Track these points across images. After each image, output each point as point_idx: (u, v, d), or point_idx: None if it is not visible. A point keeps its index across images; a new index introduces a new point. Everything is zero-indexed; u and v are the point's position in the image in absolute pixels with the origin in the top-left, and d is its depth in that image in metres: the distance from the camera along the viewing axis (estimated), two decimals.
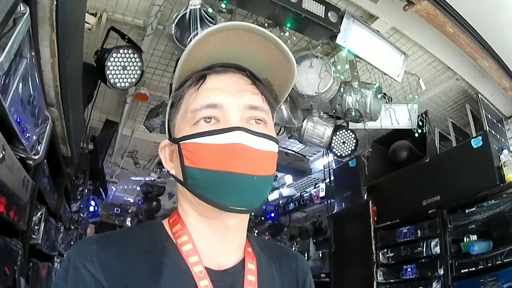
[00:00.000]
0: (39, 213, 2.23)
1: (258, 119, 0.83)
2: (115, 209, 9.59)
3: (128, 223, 10.02)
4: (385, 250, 3.89)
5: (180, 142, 0.81)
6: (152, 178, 6.54)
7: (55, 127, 2.33)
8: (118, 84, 3.01)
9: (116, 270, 0.75)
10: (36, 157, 1.90)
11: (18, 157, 1.70)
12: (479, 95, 3.66)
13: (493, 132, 3.49)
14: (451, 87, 3.84)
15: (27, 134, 1.73)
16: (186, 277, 0.78)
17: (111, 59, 2.92)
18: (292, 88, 2.82)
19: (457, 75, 3.57)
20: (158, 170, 6.02)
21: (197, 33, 2.48)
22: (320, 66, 2.95)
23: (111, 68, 2.94)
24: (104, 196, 6.60)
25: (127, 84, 3.04)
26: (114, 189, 7.82)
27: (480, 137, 3.22)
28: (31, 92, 1.66)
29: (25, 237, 1.97)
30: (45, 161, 2.30)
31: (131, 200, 9.11)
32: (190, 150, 0.79)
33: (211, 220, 0.83)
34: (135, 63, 3.01)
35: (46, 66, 1.78)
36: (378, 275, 3.89)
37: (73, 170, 3.49)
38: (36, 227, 2.20)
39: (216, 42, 0.81)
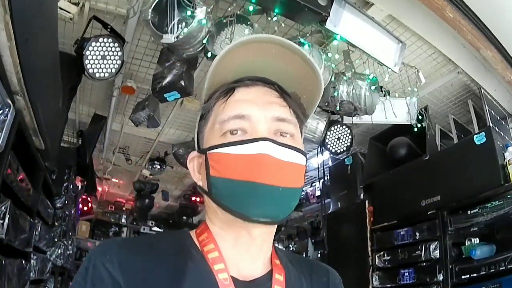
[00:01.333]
0: (3, 207, 2.13)
1: (285, 132, 0.83)
2: (110, 206, 9.63)
3: (124, 220, 10.09)
4: (382, 253, 3.79)
5: (207, 152, 0.82)
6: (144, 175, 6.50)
7: (22, 116, 2.23)
8: (97, 75, 2.94)
9: (136, 271, 0.76)
10: None
11: None
12: (482, 90, 3.54)
13: (497, 130, 3.36)
14: (452, 81, 3.71)
15: None
16: (210, 283, 0.78)
17: (90, 48, 2.86)
18: None
19: (459, 68, 3.44)
20: (150, 166, 5.98)
21: (173, 17, 2.40)
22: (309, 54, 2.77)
23: (89, 57, 2.87)
24: (93, 192, 6.59)
25: (106, 75, 2.96)
26: (107, 186, 7.86)
27: (483, 133, 3.10)
28: None
29: None
30: (12, 152, 2.18)
31: (127, 197, 9.15)
32: (217, 160, 0.80)
33: (236, 229, 0.83)
34: (115, 53, 2.94)
35: (5, 51, 1.70)
36: (374, 279, 3.78)
37: (53, 164, 3.36)
38: (0, 221, 2.11)
39: (244, 54, 0.83)
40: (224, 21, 2.60)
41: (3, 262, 2.18)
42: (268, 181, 0.75)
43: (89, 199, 7.24)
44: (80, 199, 6.58)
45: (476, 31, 2.70)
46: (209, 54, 2.63)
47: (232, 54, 0.81)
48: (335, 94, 3.07)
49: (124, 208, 9.71)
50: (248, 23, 2.62)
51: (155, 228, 10.11)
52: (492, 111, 3.54)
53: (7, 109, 1.90)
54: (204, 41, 2.56)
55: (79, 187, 5.89)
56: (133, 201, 7.95)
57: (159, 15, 2.49)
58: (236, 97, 0.84)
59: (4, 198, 2.16)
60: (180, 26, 2.43)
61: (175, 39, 2.39)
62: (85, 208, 7.23)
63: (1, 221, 2.12)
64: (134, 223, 9.92)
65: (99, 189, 7.75)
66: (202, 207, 7.72)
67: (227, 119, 0.81)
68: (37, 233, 3.02)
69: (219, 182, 0.79)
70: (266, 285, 0.83)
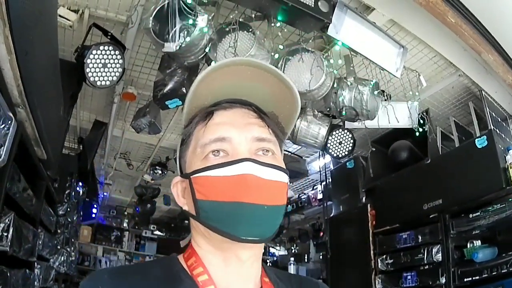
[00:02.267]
0: (6, 219, 2.13)
1: (266, 150, 0.84)
2: (111, 211, 9.58)
3: (125, 224, 10.06)
4: (384, 256, 3.79)
5: (191, 177, 0.82)
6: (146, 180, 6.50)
7: (24, 128, 2.23)
8: (98, 83, 2.92)
9: None
10: None
11: None
12: (483, 93, 3.54)
13: (498, 131, 3.37)
14: (453, 84, 3.71)
15: None
16: None
17: (91, 56, 2.83)
18: None
19: (460, 71, 3.44)
20: (152, 171, 5.97)
21: (175, 25, 2.39)
22: (311, 61, 2.80)
23: (90, 65, 2.85)
24: (96, 199, 6.60)
25: (107, 83, 2.95)
26: (109, 191, 7.85)
27: (484, 137, 3.10)
28: None
29: None
30: (14, 164, 2.17)
31: (127, 202, 9.12)
32: (201, 184, 0.80)
33: (225, 252, 0.83)
34: (116, 60, 2.92)
35: (5, 64, 1.69)
36: (377, 283, 3.78)
37: (55, 172, 3.36)
38: (4, 233, 2.11)
39: (220, 78, 0.84)
40: (227, 29, 2.59)
41: (8, 274, 2.18)
42: (253, 200, 0.76)
43: (95, 205, 7.24)
44: (82, 205, 6.61)
45: (478, 36, 2.70)
46: (212, 62, 2.62)
47: (209, 78, 0.82)
48: (338, 99, 3.06)
49: (125, 213, 9.67)
50: (250, 30, 2.61)
51: (157, 232, 10.07)
52: (493, 113, 3.55)
53: (9, 122, 1.90)
54: (207, 49, 2.55)
55: (81, 192, 5.92)
56: (134, 206, 7.91)
57: (160, 24, 2.47)
58: (215, 120, 0.85)
59: (8, 211, 2.15)
60: (181, 34, 2.41)
61: (177, 48, 2.37)
62: (92, 214, 7.27)
63: (5, 234, 2.12)
64: (136, 227, 9.88)
65: (101, 194, 7.73)
66: None
67: (208, 142, 0.82)
68: (40, 242, 3.01)
69: (206, 205, 0.79)
70: None
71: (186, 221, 8.38)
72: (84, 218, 7.00)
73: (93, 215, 7.49)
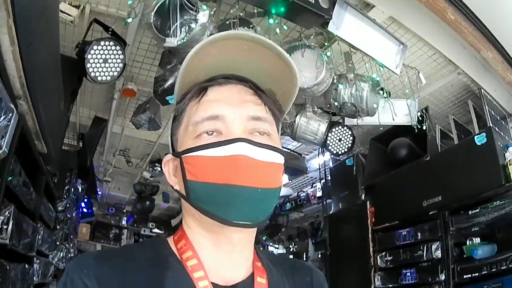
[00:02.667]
0: (7, 212, 2.14)
1: (261, 131, 0.81)
2: (110, 208, 9.57)
3: (124, 222, 10.06)
4: (384, 253, 3.80)
5: (182, 156, 0.80)
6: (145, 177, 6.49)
7: (25, 121, 2.24)
8: (99, 78, 2.90)
9: (114, 284, 0.74)
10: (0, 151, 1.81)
11: None
12: (482, 91, 3.54)
13: (497, 129, 3.37)
14: (452, 82, 3.71)
15: None
16: None
17: (91, 51, 2.83)
18: None
19: (459, 69, 3.43)
20: (151, 168, 5.96)
21: (176, 20, 2.39)
22: (312, 57, 2.80)
23: (91, 61, 2.84)
24: (95, 195, 6.60)
25: (108, 78, 2.93)
26: (108, 188, 7.84)
27: (484, 134, 3.11)
28: None
29: None
30: (15, 157, 2.18)
31: (126, 199, 9.09)
32: (192, 164, 0.78)
33: (216, 235, 0.81)
34: (116, 56, 2.91)
35: (8, 55, 1.69)
36: (376, 280, 3.79)
37: (54, 168, 3.37)
38: (4, 226, 2.11)
39: (215, 52, 0.80)
40: (227, 22, 2.59)
41: (7, 267, 2.18)
42: (246, 183, 0.74)
43: (92, 202, 7.21)
44: (81, 202, 6.57)
45: (477, 33, 2.71)
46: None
47: (203, 52, 0.79)
48: (338, 95, 3.07)
49: (124, 210, 9.66)
50: (251, 26, 2.61)
51: (156, 230, 10.08)
52: (492, 111, 3.55)
53: (10, 114, 1.90)
54: None
55: (80, 189, 5.91)
56: (133, 203, 7.91)
57: (161, 19, 2.46)
58: (209, 96, 0.82)
59: (8, 203, 2.16)
60: (182, 29, 2.42)
61: (178, 43, 2.37)
62: (88, 210, 7.21)
63: (5, 226, 2.12)
64: (135, 225, 9.88)
65: (100, 191, 7.72)
66: None
67: (201, 120, 0.79)
68: (39, 237, 3.01)
69: (196, 186, 0.77)
70: None
71: None
72: (83, 216, 6.99)
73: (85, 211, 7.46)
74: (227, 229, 0.77)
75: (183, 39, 2.38)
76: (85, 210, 7.01)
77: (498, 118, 3.64)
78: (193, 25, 2.36)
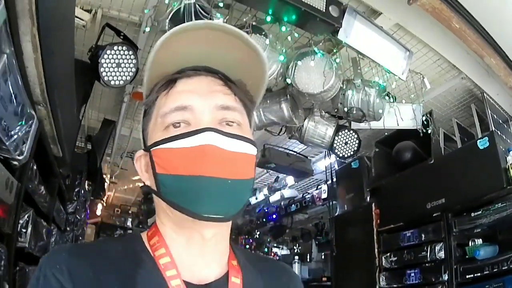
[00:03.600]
0: (26, 216, 2.18)
1: (231, 121, 0.80)
2: (115, 209, 9.57)
3: (129, 223, 10.03)
4: (388, 254, 3.85)
5: (151, 150, 0.78)
6: None
7: (43, 126, 2.27)
8: (112, 82, 2.93)
9: (87, 280, 0.72)
10: (21, 157, 1.85)
11: (1, 157, 1.67)
12: (485, 95, 3.60)
13: (499, 133, 3.42)
14: (456, 86, 3.77)
15: (10, 134, 1.67)
16: None
17: (105, 56, 2.85)
18: (293, 86, 2.71)
19: (463, 74, 3.50)
20: None
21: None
22: (321, 63, 2.85)
23: (104, 65, 2.86)
24: (102, 197, 6.58)
25: (121, 82, 2.96)
26: (114, 189, 7.84)
27: (486, 138, 3.17)
28: (13, 89, 1.60)
29: (10, 240, 1.92)
30: (33, 161, 2.24)
31: (132, 200, 9.10)
32: (161, 157, 0.76)
33: (187, 230, 0.79)
34: (129, 60, 2.94)
35: (30, 62, 1.72)
36: (381, 280, 3.83)
37: (67, 170, 3.44)
38: (23, 230, 2.16)
39: (182, 44, 0.79)
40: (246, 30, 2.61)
41: (26, 270, 2.24)
42: (215, 174, 0.72)
43: (97, 204, 7.23)
44: (88, 203, 6.60)
45: (481, 41, 2.76)
46: None
47: (168, 44, 0.77)
48: (345, 100, 3.13)
49: (129, 211, 9.65)
50: (263, 33, 2.66)
51: None
52: (495, 115, 3.60)
53: (31, 121, 1.94)
54: None
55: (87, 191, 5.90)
56: (139, 204, 7.92)
57: (175, 26, 2.49)
58: (178, 88, 0.81)
59: (27, 207, 2.20)
60: None
61: None
62: (96, 212, 7.24)
63: (24, 230, 2.17)
64: (140, 225, 9.82)
65: (108, 193, 7.74)
66: None
67: (169, 111, 0.78)
68: (53, 239, 3.05)
69: (166, 179, 0.75)
70: None
71: None
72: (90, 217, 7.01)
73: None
74: (198, 224, 0.75)
75: None
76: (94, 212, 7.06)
77: (501, 122, 3.69)
78: None
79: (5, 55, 1.46)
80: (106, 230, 9.55)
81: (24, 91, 1.79)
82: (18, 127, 1.76)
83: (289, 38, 2.70)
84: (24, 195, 2.07)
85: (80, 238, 4.91)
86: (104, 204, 8.07)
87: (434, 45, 3.14)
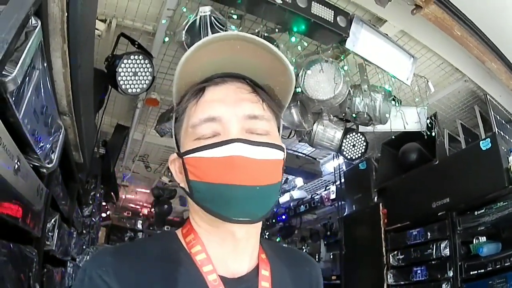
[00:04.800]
0: (52, 220, 2.25)
1: (259, 129, 0.82)
2: (126, 212, 9.54)
3: (139, 225, 9.98)
4: (395, 252, 3.90)
5: (183, 157, 0.82)
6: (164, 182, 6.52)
7: (67, 134, 2.32)
8: (129, 90, 3.01)
9: (131, 281, 0.76)
10: (50, 165, 1.91)
11: (32, 166, 1.70)
12: (488, 96, 3.63)
13: (502, 134, 3.48)
14: (459, 89, 3.82)
15: (41, 144, 1.74)
16: (201, 286, 0.79)
17: (122, 65, 2.92)
18: (302, 92, 2.77)
19: (466, 77, 3.55)
20: (169, 173, 5.69)
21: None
22: (330, 70, 2.93)
23: (122, 74, 2.94)
24: (115, 200, 6.59)
25: (138, 90, 3.03)
26: (125, 192, 7.79)
27: (488, 139, 3.21)
28: (44, 102, 1.67)
29: (39, 244, 1.99)
30: (58, 168, 2.31)
31: (143, 203, 9.12)
32: (193, 165, 0.80)
33: (220, 230, 0.84)
34: (145, 69, 3.01)
35: (58, 76, 1.79)
36: (389, 277, 3.89)
37: (84, 175, 3.47)
38: (50, 233, 2.22)
39: (210, 54, 0.82)
40: None
41: (53, 271, 2.32)
42: (244, 182, 0.76)
43: (107, 206, 7.23)
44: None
45: (482, 47, 2.82)
46: None
47: (197, 54, 0.80)
48: (352, 105, 3.19)
49: (140, 214, 9.65)
50: (275, 43, 2.72)
51: None
52: (497, 116, 3.64)
53: (59, 131, 2.02)
54: None
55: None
56: (150, 207, 7.90)
57: (191, 37, 2.56)
58: (206, 97, 0.83)
59: (53, 211, 2.27)
60: None
61: None
62: (104, 214, 7.22)
63: (51, 234, 2.23)
64: (150, 228, 9.81)
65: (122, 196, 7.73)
66: None
67: (199, 122, 0.81)
68: (73, 242, 3.13)
69: (198, 185, 0.79)
70: (253, 281, 0.85)
71: None
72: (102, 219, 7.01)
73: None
74: (229, 225, 0.79)
75: None
76: (103, 214, 7.04)
77: (503, 122, 3.73)
78: None
79: (39, 71, 1.51)
80: (117, 232, 9.52)
81: (54, 103, 1.86)
82: (47, 137, 1.82)
83: (298, 47, 2.76)
84: (51, 201, 2.14)
85: (95, 241, 4.99)
86: (114, 207, 8.11)
87: (438, 50, 3.19)
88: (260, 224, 0.90)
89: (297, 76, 2.96)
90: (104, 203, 7.35)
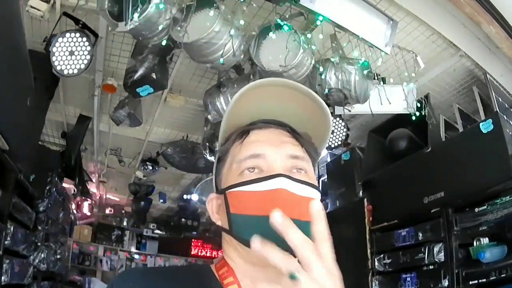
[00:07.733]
0: None
1: (300, 168, 0.87)
2: (109, 209, 9.71)
3: (125, 223, 10.21)
4: (382, 255, 3.64)
5: (226, 192, 0.87)
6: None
7: None
8: (65, 71, 2.96)
9: None
10: None
11: None
12: (488, 76, 3.37)
13: (505, 118, 3.18)
14: (455, 66, 3.57)
15: None
16: None
17: (56, 44, 2.91)
18: (256, 64, 2.59)
19: (461, 51, 3.27)
20: (143, 167, 5.98)
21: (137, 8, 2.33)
22: (286, 37, 2.62)
23: (56, 54, 2.92)
24: (80, 194, 6.75)
25: (75, 71, 2.98)
26: (105, 189, 7.99)
27: (490, 120, 2.91)
28: None
29: None
30: None
31: (124, 200, 9.27)
32: (236, 198, 0.85)
33: (256, 268, 0.86)
34: (83, 48, 2.97)
35: None
36: (374, 285, 3.63)
37: (27, 166, 3.37)
38: None
39: (257, 97, 0.89)
40: (191, 2, 2.45)
41: None
42: (287, 215, 0.72)
43: (85, 203, 7.47)
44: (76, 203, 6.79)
45: (475, 3, 2.52)
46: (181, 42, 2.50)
47: (246, 97, 0.87)
48: (322, 81, 2.90)
49: (123, 211, 9.78)
50: (214, 5, 2.47)
51: (157, 231, 10.23)
52: (500, 98, 3.38)
53: None
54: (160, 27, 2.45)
55: (73, 190, 6.04)
56: (131, 204, 7.99)
57: (118, 5, 2.44)
58: (251, 138, 0.89)
59: None
60: (136, 13, 2.34)
61: (131, 27, 2.30)
62: (86, 212, 7.38)
63: None
64: (135, 225, 10.11)
65: (96, 192, 7.91)
66: (201, 208, 7.75)
67: (244, 158, 0.86)
68: (9, 237, 3.05)
69: (239, 218, 0.83)
70: None
71: (183, 219, 8.59)
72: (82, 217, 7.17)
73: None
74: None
75: (136, 22, 2.29)
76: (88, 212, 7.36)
77: (506, 106, 3.46)
78: (146, 7, 2.22)
79: None
80: (103, 231, 9.84)
81: None
82: None
83: (245, 9, 2.45)
84: None
85: (59, 237, 5.02)
86: (91, 203, 8.25)
87: (424, 17, 2.91)
88: None
89: (250, 44, 2.74)
90: (88, 201, 7.43)
